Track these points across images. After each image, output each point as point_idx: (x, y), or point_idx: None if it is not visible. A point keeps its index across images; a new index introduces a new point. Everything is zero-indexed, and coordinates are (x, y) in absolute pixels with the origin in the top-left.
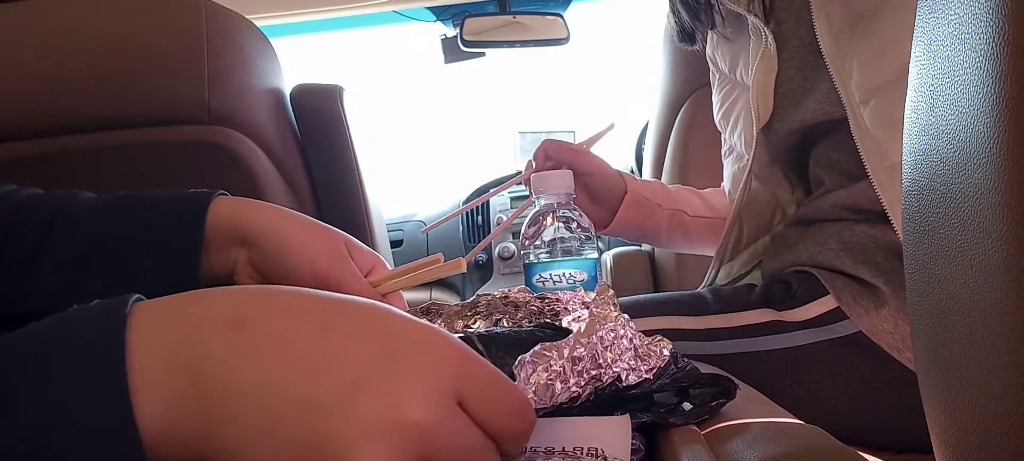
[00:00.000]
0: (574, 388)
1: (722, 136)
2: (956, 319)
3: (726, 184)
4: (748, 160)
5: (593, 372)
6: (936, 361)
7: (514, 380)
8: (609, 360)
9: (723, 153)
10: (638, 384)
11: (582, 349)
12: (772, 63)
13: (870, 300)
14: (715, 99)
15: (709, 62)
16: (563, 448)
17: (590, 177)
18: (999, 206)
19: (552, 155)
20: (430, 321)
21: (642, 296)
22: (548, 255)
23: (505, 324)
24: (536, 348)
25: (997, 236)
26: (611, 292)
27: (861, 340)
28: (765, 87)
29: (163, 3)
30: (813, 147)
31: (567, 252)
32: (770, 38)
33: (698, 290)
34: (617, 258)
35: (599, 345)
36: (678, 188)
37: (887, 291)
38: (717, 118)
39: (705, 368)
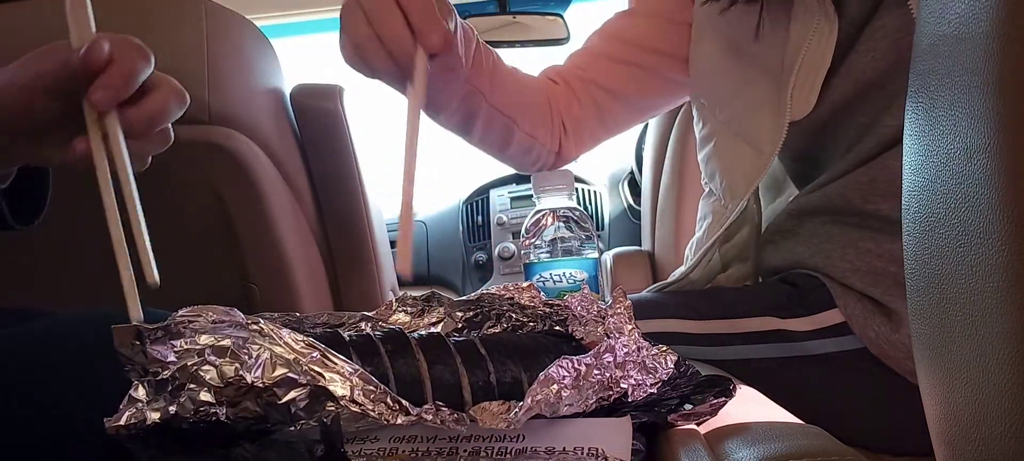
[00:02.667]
0: (580, 406)
1: (699, 114)
2: (956, 319)
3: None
4: (771, 153)
5: (602, 394)
6: (936, 361)
7: (521, 389)
8: (618, 377)
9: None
10: (643, 398)
11: (597, 373)
12: (826, 55)
13: (883, 321)
14: (702, 65)
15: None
16: (564, 448)
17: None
18: (999, 206)
19: (397, 57)
20: (431, 310)
21: (643, 295)
22: (548, 255)
23: (512, 317)
24: (551, 369)
25: (997, 236)
26: (628, 302)
27: (866, 355)
28: (811, 82)
29: (163, 3)
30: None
31: (567, 252)
32: (834, 16)
33: (702, 288)
34: (617, 258)
35: (612, 364)
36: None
37: (904, 314)
38: (702, 89)
39: (705, 369)
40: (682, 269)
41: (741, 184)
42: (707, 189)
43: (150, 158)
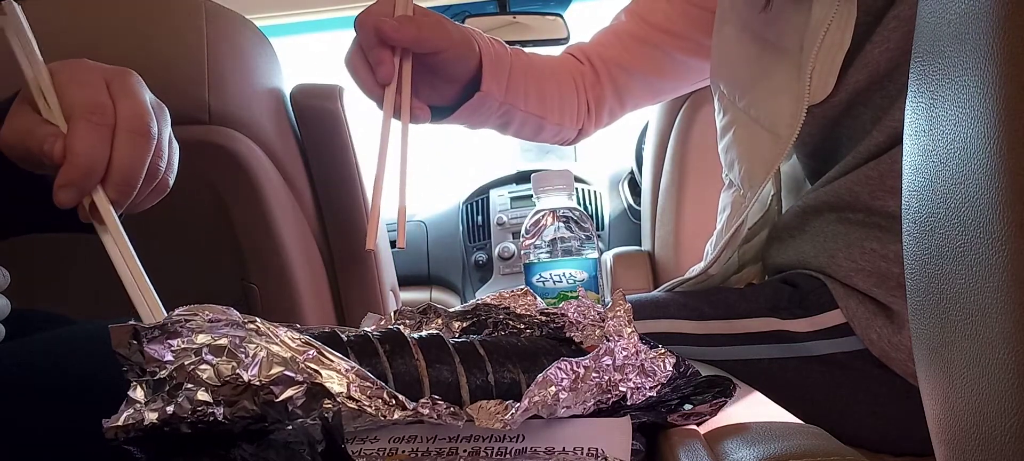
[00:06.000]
0: (578, 408)
1: (719, 103)
2: (956, 319)
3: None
4: (789, 138)
5: (601, 397)
6: (936, 361)
7: (519, 390)
8: (616, 380)
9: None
10: (642, 401)
11: (596, 376)
12: (846, 36)
13: (885, 323)
14: (727, 50)
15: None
16: (564, 448)
17: (438, 56)
18: (999, 206)
19: (388, 37)
20: (428, 322)
21: (643, 296)
22: (548, 255)
23: (509, 325)
24: (549, 371)
25: (997, 236)
26: (628, 306)
27: (867, 356)
28: (830, 63)
29: (164, 4)
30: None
31: (567, 252)
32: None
33: (703, 288)
34: (617, 258)
35: (611, 368)
36: (544, 85)
37: (906, 315)
38: (722, 76)
39: (705, 369)
40: (701, 265)
41: (759, 170)
42: (727, 181)
43: (172, 178)
